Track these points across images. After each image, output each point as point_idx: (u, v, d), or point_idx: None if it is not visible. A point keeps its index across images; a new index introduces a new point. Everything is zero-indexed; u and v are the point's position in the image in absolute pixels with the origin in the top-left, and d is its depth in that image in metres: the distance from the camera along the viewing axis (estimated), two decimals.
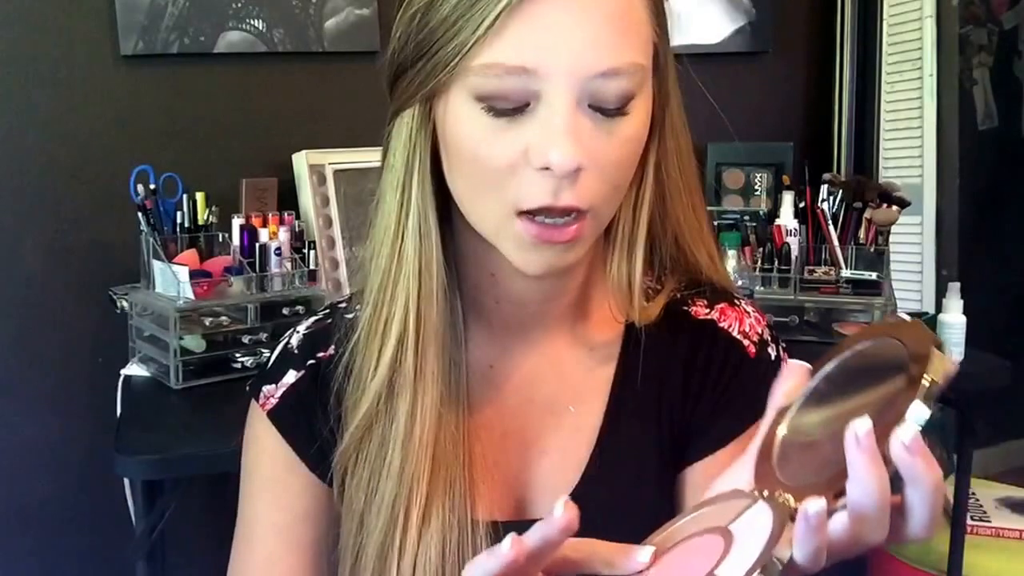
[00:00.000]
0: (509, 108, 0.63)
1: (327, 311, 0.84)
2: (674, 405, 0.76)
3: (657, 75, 0.69)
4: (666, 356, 0.77)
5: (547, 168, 0.62)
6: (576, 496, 0.69)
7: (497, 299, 0.77)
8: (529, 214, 0.65)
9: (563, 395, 0.78)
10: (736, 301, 0.81)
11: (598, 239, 0.74)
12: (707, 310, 0.79)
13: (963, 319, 1.72)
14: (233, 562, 0.81)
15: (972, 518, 1.97)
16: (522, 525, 0.71)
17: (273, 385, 0.80)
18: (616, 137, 0.65)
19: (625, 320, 0.77)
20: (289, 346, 0.82)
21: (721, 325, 0.79)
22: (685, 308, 0.79)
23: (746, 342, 0.78)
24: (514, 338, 0.78)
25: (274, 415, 0.79)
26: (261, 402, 0.80)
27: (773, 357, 0.78)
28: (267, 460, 0.80)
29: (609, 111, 0.64)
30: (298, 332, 0.83)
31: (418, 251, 0.71)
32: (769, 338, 0.79)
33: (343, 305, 0.82)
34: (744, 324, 0.79)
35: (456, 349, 0.75)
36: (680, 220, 0.77)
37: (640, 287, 0.75)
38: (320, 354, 0.80)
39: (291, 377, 0.80)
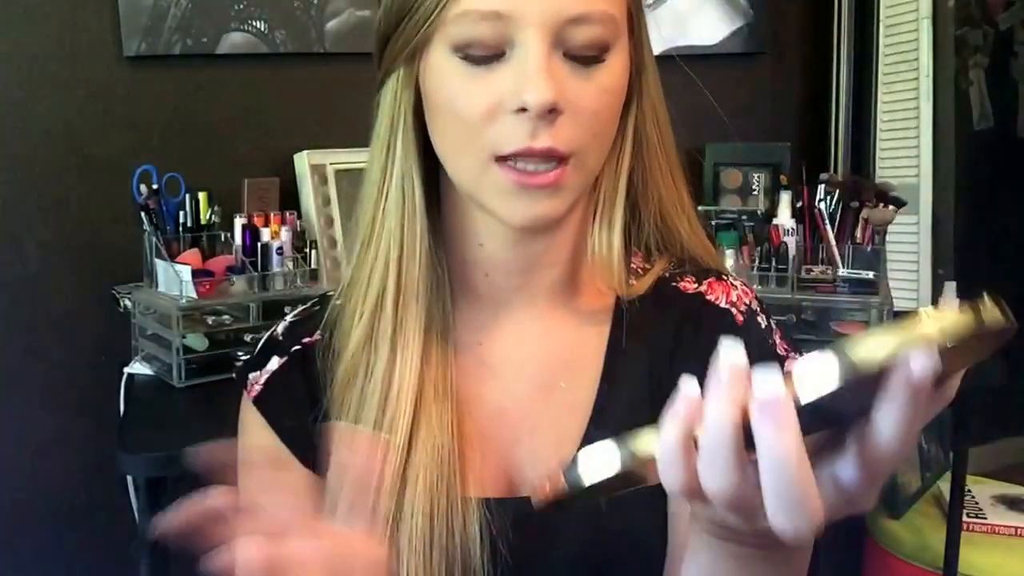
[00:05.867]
0: (485, 56, 0.65)
1: (316, 300, 0.84)
2: (663, 376, 0.76)
3: (632, 39, 0.71)
4: (655, 328, 0.78)
5: (523, 110, 0.64)
6: None
7: (486, 271, 0.77)
8: (508, 160, 0.66)
9: (554, 371, 0.78)
10: (723, 276, 0.81)
11: (584, 208, 0.75)
12: (695, 284, 0.80)
13: None
14: None
15: (968, 515, 1.98)
16: (513, 502, 0.73)
17: (258, 372, 0.81)
18: (593, 84, 0.66)
19: (614, 296, 0.78)
20: (275, 334, 0.83)
21: (709, 297, 0.79)
22: (674, 284, 0.80)
23: (734, 311, 0.79)
24: (503, 315, 0.78)
25: (259, 401, 0.80)
26: (248, 389, 0.81)
27: (763, 325, 0.79)
28: (254, 447, 0.79)
29: (584, 59, 0.66)
30: (285, 320, 0.83)
31: (400, 208, 0.72)
32: (758, 308, 0.80)
33: (332, 294, 0.82)
34: (731, 295, 0.80)
35: (442, 317, 0.75)
36: (660, 190, 0.78)
37: (620, 253, 0.76)
38: (305, 340, 0.80)
39: (275, 364, 0.80)
